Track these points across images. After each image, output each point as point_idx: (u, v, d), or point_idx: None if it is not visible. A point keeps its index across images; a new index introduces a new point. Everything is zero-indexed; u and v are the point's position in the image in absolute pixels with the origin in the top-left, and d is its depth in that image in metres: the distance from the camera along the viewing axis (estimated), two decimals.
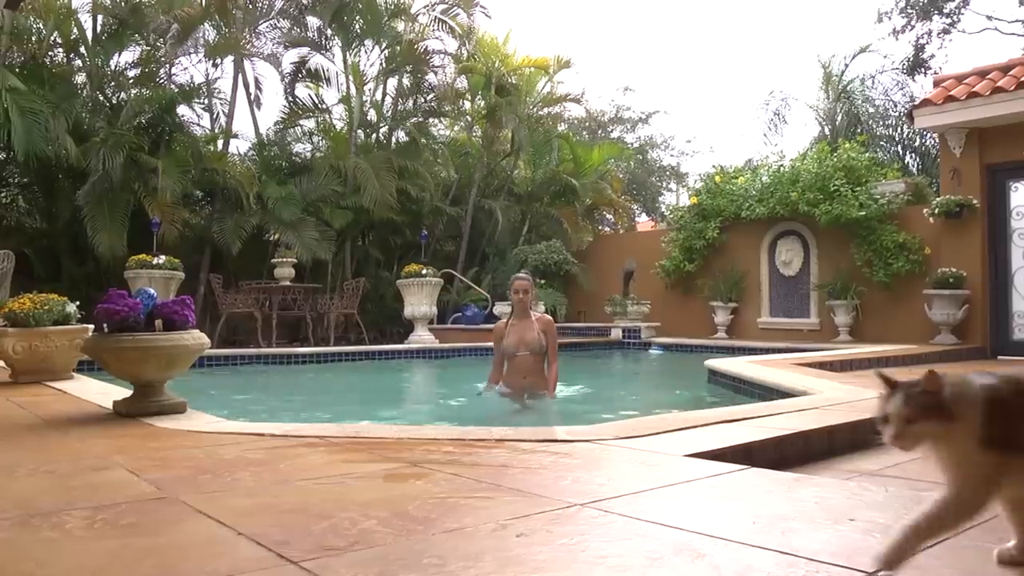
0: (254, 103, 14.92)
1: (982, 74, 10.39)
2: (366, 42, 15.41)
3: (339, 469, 2.66)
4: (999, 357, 9.86)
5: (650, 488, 2.27)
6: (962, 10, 20.39)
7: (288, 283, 12.60)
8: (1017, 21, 20.74)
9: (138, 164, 12.10)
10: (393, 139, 16.23)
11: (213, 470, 2.63)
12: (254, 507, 2.12)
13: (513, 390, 5.99)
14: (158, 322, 4.02)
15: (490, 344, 6.45)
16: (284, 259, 12.68)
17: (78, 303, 6.21)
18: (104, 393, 4.82)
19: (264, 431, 3.42)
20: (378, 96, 16.04)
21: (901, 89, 21.21)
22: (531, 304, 6.14)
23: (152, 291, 4.26)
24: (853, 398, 4.28)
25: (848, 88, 21.30)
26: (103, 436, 3.42)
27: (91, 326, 4.95)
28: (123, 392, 4.29)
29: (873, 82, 21.53)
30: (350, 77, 15.10)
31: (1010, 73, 10.00)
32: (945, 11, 20.49)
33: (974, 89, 10.03)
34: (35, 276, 11.78)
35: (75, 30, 13.23)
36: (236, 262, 13.51)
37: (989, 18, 20.77)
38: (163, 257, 10.65)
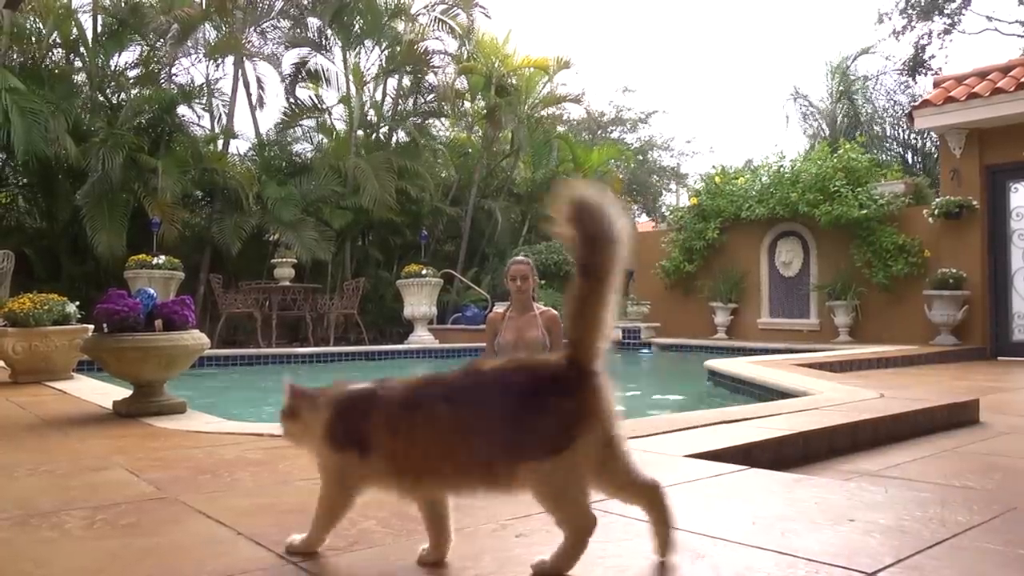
0: (254, 103, 14.93)
1: (982, 75, 10.39)
2: (366, 42, 15.42)
3: None
4: (999, 358, 9.86)
5: None
6: (963, 11, 20.40)
7: (288, 283, 12.60)
8: (1017, 22, 20.76)
9: (138, 164, 12.11)
10: (393, 139, 16.24)
11: (213, 470, 2.63)
12: (254, 507, 2.12)
13: None
14: (158, 322, 4.02)
15: None
16: (284, 259, 12.68)
17: (78, 303, 6.21)
18: (104, 393, 4.82)
19: (263, 431, 3.42)
20: (378, 96, 16.06)
21: (905, 90, 21.24)
22: (533, 294, 5.13)
23: (152, 291, 4.26)
24: (853, 399, 4.28)
25: (850, 89, 21.31)
26: (103, 436, 3.42)
27: (91, 326, 4.95)
28: (123, 392, 4.29)
29: (876, 83, 21.56)
30: (350, 77, 15.11)
31: (1010, 74, 10.00)
32: (946, 12, 20.49)
33: (974, 90, 10.04)
34: (35, 276, 11.78)
35: (75, 30, 13.24)
36: (236, 262, 13.50)
37: (989, 19, 20.82)
38: (163, 257, 10.65)
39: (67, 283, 11.67)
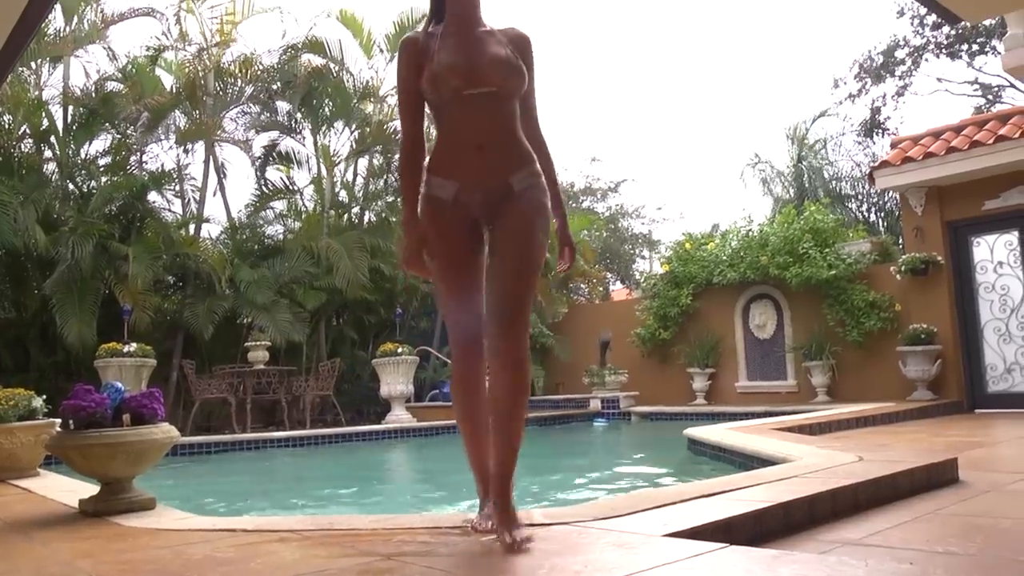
0: (225, 187, 15.01)
1: (936, 135, 10.71)
2: (336, 124, 15.61)
3: (311, 566, 2.58)
4: (976, 410, 9.92)
5: (627, 574, 2.22)
6: (912, 73, 21.14)
7: (262, 366, 12.42)
8: (965, 82, 21.54)
9: (108, 251, 12.04)
10: (365, 218, 16.33)
11: (180, 572, 2.55)
12: None
13: (462, 187, 2.85)
14: (126, 416, 3.94)
15: None
16: (258, 342, 12.53)
17: (44, 396, 6.09)
18: (71, 491, 4.68)
19: (235, 526, 3.33)
20: (349, 176, 16.19)
21: (864, 150, 21.83)
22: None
23: (120, 385, 4.19)
24: (831, 463, 4.27)
25: (810, 151, 21.88)
26: (68, 539, 3.31)
27: (58, 420, 4.84)
28: (91, 489, 4.17)
29: (836, 144, 22.17)
30: (320, 159, 15.26)
31: (962, 133, 10.33)
32: (896, 74, 21.22)
33: (929, 149, 10.34)
34: (3, 367, 11.56)
35: (45, 121, 13.29)
36: (209, 347, 13.35)
37: (939, 80, 21.57)
38: (134, 345, 10.51)
39: (36, 374, 11.46)
